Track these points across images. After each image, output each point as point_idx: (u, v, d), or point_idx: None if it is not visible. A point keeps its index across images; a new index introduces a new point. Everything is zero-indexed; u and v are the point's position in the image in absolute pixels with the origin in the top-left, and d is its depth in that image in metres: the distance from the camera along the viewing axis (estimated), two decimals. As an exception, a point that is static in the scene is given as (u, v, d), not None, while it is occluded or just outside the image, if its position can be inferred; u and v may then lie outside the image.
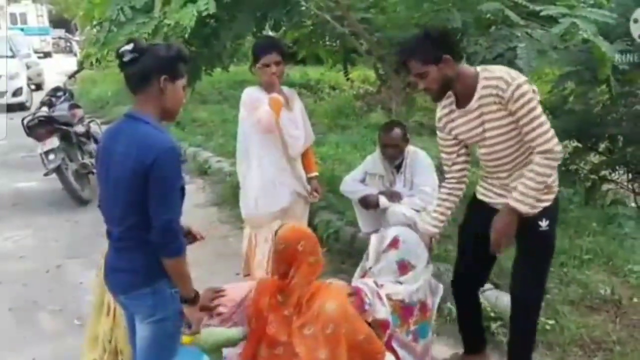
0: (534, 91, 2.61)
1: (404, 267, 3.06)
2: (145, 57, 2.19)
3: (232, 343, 2.87)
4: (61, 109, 7.06)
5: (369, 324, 2.79)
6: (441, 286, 3.21)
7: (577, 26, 3.49)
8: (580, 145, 6.52)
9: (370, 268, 3.16)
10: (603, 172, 6.59)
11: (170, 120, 2.35)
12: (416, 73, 2.70)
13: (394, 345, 2.94)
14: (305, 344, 2.55)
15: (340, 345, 2.54)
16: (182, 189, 2.22)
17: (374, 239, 3.29)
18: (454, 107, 2.83)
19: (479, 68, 2.72)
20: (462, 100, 2.76)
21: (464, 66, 2.74)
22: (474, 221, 3.05)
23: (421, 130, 8.31)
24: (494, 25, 4.48)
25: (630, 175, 6.51)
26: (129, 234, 2.22)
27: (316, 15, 5.20)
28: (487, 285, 3.79)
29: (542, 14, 3.73)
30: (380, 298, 2.92)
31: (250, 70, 3.86)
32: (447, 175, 3.09)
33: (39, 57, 21.29)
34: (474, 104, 2.69)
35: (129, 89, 2.27)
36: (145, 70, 2.19)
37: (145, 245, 2.17)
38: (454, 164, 3.02)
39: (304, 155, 3.95)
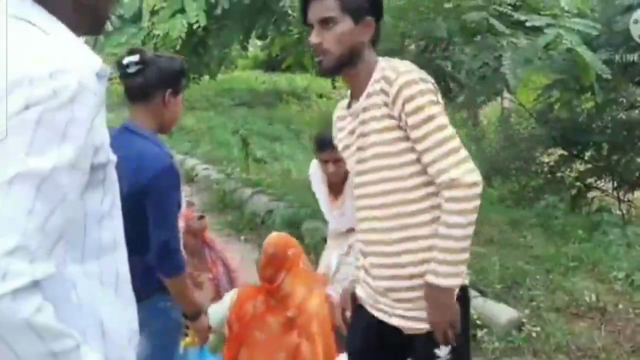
0: (437, 100, 1.69)
1: None
2: (150, 70, 2.12)
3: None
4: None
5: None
6: None
7: (561, 36, 3.53)
8: (565, 153, 6.59)
9: (335, 274, 3.14)
10: (588, 180, 6.66)
11: (164, 133, 2.32)
12: (323, 17, 1.74)
13: None
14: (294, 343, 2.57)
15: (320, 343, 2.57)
16: (179, 204, 2.17)
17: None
18: (346, 110, 1.93)
19: (381, 58, 1.82)
20: (355, 98, 1.87)
21: (371, 51, 1.83)
22: (354, 327, 2.05)
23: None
24: (479, 34, 4.52)
25: (615, 183, 6.58)
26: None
27: (303, 24, 5.21)
28: (474, 293, 3.79)
29: (527, 24, 3.77)
30: None
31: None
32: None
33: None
34: (361, 102, 1.80)
35: (129, 99, 2.20)
36: (150, 82, 2.12)
37: (139, 263, 2.06)
38: None
39: None
